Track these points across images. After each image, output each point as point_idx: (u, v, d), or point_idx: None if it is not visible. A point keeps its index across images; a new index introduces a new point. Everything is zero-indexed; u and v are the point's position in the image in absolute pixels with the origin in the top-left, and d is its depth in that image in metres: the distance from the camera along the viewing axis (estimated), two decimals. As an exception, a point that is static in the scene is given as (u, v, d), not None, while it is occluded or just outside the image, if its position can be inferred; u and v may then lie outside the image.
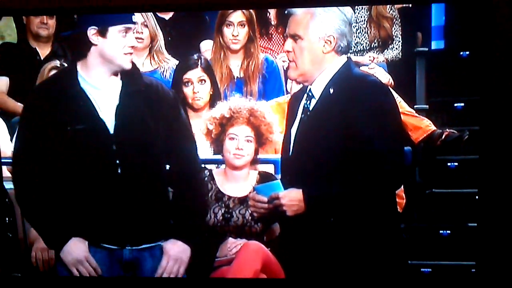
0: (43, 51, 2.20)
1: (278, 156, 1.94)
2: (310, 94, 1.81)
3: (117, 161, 1.82)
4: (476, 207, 1.94)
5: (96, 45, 1.78)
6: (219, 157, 2.02)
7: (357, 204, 1.77)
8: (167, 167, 1.91)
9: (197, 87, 2.11)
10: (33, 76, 2.08)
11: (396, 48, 2.21)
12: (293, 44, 1.77)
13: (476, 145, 1.93)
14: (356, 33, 2.20)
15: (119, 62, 1.80)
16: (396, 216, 1.90)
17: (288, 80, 2.09)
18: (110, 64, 1.80)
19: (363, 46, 2.23)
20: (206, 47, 2.23)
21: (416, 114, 2.04)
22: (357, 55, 2.18)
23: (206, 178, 2.00)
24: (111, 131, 1.81)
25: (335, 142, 1.75)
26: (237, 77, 2.19)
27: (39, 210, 1.86)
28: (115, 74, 1.83)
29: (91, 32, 1.77)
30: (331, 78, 1.77)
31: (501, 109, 1.90)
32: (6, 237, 2.06)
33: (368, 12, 2.19)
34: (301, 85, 1.87)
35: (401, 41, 2.20)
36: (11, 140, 2.13)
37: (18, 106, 2.14)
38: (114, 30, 1.77)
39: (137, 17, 1.83)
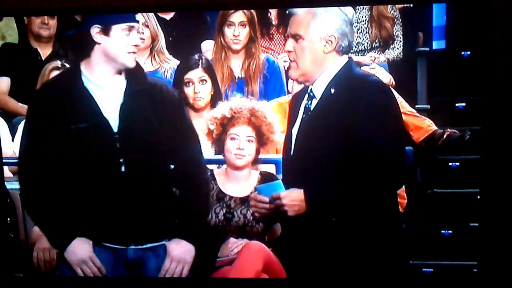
0: (44, 51, 2.20)
1: (279, 156, 1.94)
2: (311, 94, 1.81)
3: (121, 160, 1.82)
4: (477, 207, 1.94)
5: (99, 43, 1.79)
6: (220, 157, 2.02)
7: (359, 204, 1.77)
8: (171, 166, 1.91)
9: (198, 87, 2.11)
10: (34, 76, 2.08)
11: (397, 48, 2.21)
12: (294, 44, 1.77)
13: (478, 145, 1.93)
14: (357, 33, 2.20)
15: (122, 61, 1.80)
16: (398, 216, 1.90)
17: (289, 80, 2.09)
18: (113, 62, 1.81)
19: (364, 46, 2.23)
20: (207, 47, 2.23)
21: (417, 114, 2.04)
22: (358, 55, 2.18)
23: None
24: (115, 129, 1.82)
25: (336, 142, 1.75)
26: (238, 77, 2.19)
27: (44, 210, 1.87)
28: (119, 73, 1.83)
29: (95, 30, 1.78)
30: (332, 78, 1.77)
31: (503, 109, 1.90)
32: (8, 237, 2.06)
33: (369, 12, 2.19)
34: (302, 85, 1.87)
35: (402, 41, 2.20)
36: (12, 140, 2.14)
37: (19, 107, 2.15)
38: (118, 29, 1.78)
39: (138, 17, 1.83)
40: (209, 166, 2.03)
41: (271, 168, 2.05)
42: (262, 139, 1.99)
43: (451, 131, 2.02)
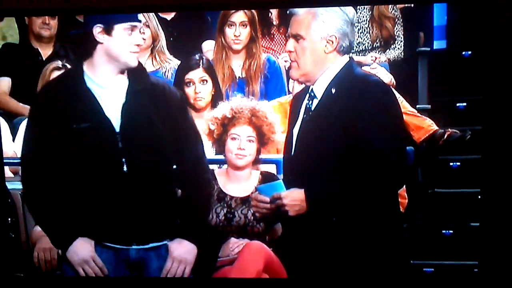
0: (45, 51, 2.20)
1: (280, 156, 1.94)
2: (312, 94, 1.81)
3: (123, 159, 1.82)
4: (478, 207, 1.94)
5: (102, 43, 1.79)
6: (221, 157, 2.02)
7: (359, 204, 1.76)
8: (174, 167, 1.91)
9: (198, 87, 2.11)
10: (35, 76, 2.08)
11: (398, 48, 2.21)
12: (295, 44, 1.77)
13: (479, 145, 1.93)
14: (358, 33, 2.20)
15: (124, 60, 1.80)
16: (399, 216, 1.90)
17: (290, 80, 2.09)
18: (116, 62, 1.81)
19: (365, 46, 2.23)
20: (208, 47, 2.23)
21: (418, 114, 2.04)
22: (359, 55, 2.18)
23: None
24: (117, 129, 1.82)
25: (337, 142, 1.75)
26: (239, 77, 2.19)
27: (46, 209, 1.87)
28: (122, 72, 1.83)
29: (97, 30, 1.78)
30: (333, 78, 1.77)
31: (504, 109, 1.90)
32: (9, 237, 2.06)
33: (370, 12, 2.19)
34: (303, 85, 1.87)
35: (403, 41, 2.20)
36: (13, 141, 2.14)
37: (20, 107, 2.15)
38: (120, 28, 1.78)
39: (139, 17, 1.83)
40: (210, 166, 2.03)
41: (271, 168, 2.05)
42: (262, 139, 1.99)
43: (452, 131, 2.02)
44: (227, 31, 2.14)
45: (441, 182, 2.03)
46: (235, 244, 1.96)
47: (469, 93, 1.98)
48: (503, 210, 1.94)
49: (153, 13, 2.12)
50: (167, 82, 1.94)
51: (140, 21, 1.82)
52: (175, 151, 1.89)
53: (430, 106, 2.05)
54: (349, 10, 1.76)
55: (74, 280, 1.90)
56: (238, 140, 1.98)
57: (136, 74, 1.84)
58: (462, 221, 2.01)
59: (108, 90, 1.83)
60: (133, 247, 1.87)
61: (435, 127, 2.03)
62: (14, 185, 2.05)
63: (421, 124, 2.04)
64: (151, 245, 1.88)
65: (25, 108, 2.12)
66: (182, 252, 1.89)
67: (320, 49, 1.76)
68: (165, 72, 2.20)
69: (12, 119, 2.15)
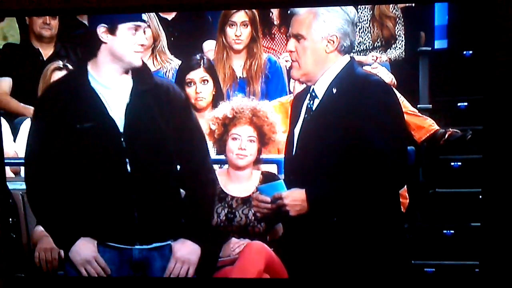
0: (46, 51, 2.20)
1: (281, 156, 1.95)
2: (313, 94, 1.81)
3: (127, 160, 1.82)
4: (479, 207, 1.94)
5: (105, 43, 1.79)
6: (222, 157, 2.02)
7: (360, 204, 1.76)
8: (178, 167, 1.91)
9: (199, 87, 2.10)
10: (36, 76, 2.08)
11: (399, 48, 2.21)
12: (296, 44, 1.77)
13: (480, 145, 1.93)
14: (359, 32, 2.20)
15: (129, 60, 1.80)
16: (400, 216, 1.90)
17: (291, 80, 2.09)
18: (120, 62, 1.81)
19: (366, 46, 2.22)
20: (209, 47, 2.22)
21: (419, 114, 2.03)
22: (360, 55, 2.18)
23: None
24: (121, 129, 1.82)
25: (338, 142, 1.75)
26: (239, 77, 2.19)
27: (49, 209, 1.87)
28: (126, 72, 1.84)
29: (101, 30, 1.78)
30: (334, 78, 1.77)
31: (505, 109, 1.90)
32: (10, 237, 2.06)
33: (371, 12, 2.18)
34: (304, 85, 1.87)
35: (404, 41, 2.20)
36: (14, 141, 2.14)
37: (21, 107, 2.15)
38: (124, 28, 1.78)
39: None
40: (211, 166, 2.03)
41: (272, 168, 2.05)
42: (263, 139, 1.99)
43: (453, 130, 2.02)
44: (228, 31, 2.14)
45: (442, 182, 2.03)
46: (236, 244, 1.96)
47: (470, 92, 1.98)
48: (504, 210, 1.94)
49: (154, 13, 2.12)
50: (172, 83, 1.94)
51: (144, 21, 1.82)
52: (180, 151, 1.89)
53: (431, 105, 2.05)
54: (350, 9, 1.76)
55: (75, 280, 1.90)
56: (239, 140, 1.98)
57: (140, 75, 1.84)
58: (463, 221, 2.00)
59: (112, 90, 1.83)
60: (136, 247, 1.87)
61: (436, 127, 2.03)
62: (15, 185, 2.06)
63: (422, 123, 2.03)
64: (154, 245, 1.88)
65: (26, 108, 2.12)
66: (185, 252, 1.90)
67: (321, 48, 1.76)
68: (166, 72, 2.20)
69: (13, 119, 2.15)
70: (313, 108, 1.80)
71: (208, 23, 2.26)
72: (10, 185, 2.05)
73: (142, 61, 1.84)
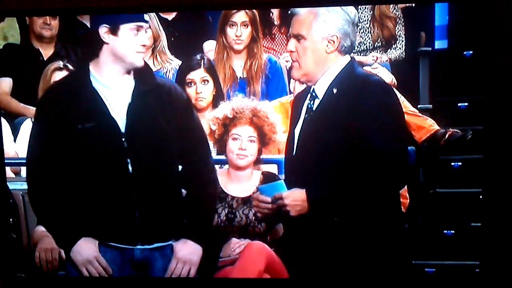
0: (46, 51, 2.20)
1: (281, 156, 1.95)
2: (313, 94, 1.81)
3: (128, 160, 1.82)
4: (480, 207, 1.94)
5: (107, 43, 1.79)
6: (222, 157, 2.02)
7: (361, 204, 1.76)
8: (180, 167, 1.91)
9: (200, 87, 2.10)
10: (36, 77, 2.08)
11: (400, 48, 2.21)
12: (296, 44, 1.77)
13: (480, 145, 1.93)
14: (359, 32, 2.20)
15: (130, 60, 1.81)
16: (400, 216, 1.90)
17: (291, 80, 2.09)
18: (122, 62, 1.81)
19: (366, 46, 2.22)
20: (209, 47, 2.22)
21: (420, 114, 2.03)
22: (360, 55, 2.18)
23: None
24: (122, 129, 1.82)
25: (339, 142, 1.75)
26: (240, 77, 2.19)
27: (51, 209, 1.87)
28: (128, 72, 1.84)
29: (103, 30, 1.78)
30: (335, 78, 1.77)
31: (505, 109, 1.90)
32: (10, 237, 2.06)
33: (371, 12, 2.18)
34: (304, 85, 1.87)
35: (404, 41, 2.20)
36: (15, 141, 2.14)
37: (21, 107, 2.15)
38: (126, 28, 1.78)
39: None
40: (211, 166, 2.03)
41: (273, 168, 2.05)
42: (264, 139, 1.99)
43: (453, 130, 2.02)
44: (229, 31, 2.14)
45: (443, 182, 2.03)
46: (236, 245, 1.96)
47: (471, 93, 1.98)
48: (504, 210, 1.94)
49: (154, 13, 2.12)
50: (174, 84, 1.94)
51: (146, 22, 1.82)
52: (182, 152, 1.90)
53: (431, 106, 2.05)
54: (351, 10, 1.76)
55: (76, 281, 1.90)
56: (239, 140, 1.98)
57: (142, 75, 1.84)
58: (464, 221, 2.00)
59: (114, 90, 1.83)
60: (138, 247, 1.87)
61: (436, 127, 2.03)
62: (16, 185, 2.06)
63: (422, 124, 2.03)
64: (156, 245, 1.88)
65: (26, 109, 2.12)
66: (187, 252, 1.90)
67: (322, 49, 1.76)
68: (166, 72, 2.20)
69: (13, 119, 2.15)
70: (314, 108, 1.80)
71: (209, 23, 2.26)
72: (11, 185, 2.05)
73: (144, 61, 1.84)
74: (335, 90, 1.76)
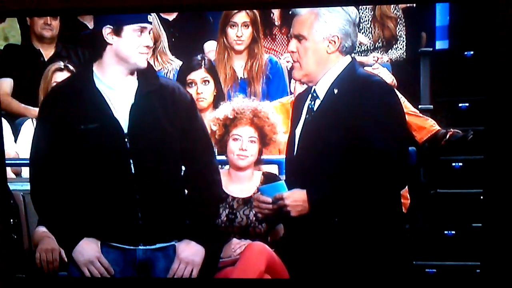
0: (47, 52, 2.20)
1: (282, 157, 1.95)
2: (314, 94, 1.81)
3: (131, 160, 1.82)
4: (481, 208, 1.94)
5: (111, 44, 1.79)
6: (223, 158, 2.02)
7: (362, 204, 1.76)
8: (183, 168, 1.91)
9: (200, 88, 2.10)
10: (37, 77, 2.08)
11: (400, 48, 2.21)
12: (297, 44, 1.77)
13: (481, 145, 1.93)
14: (360, 33, 2.20)
15: (134, 61, 1.81)
16: (401, 217, 1.90)
17: (292, 80, 2.09)
18: (125, 63, 1.81)
19: (367, 46, 2.22)
20: (210, 48, 2.22)
21: (420, 114, 2.03)
22: (361, 55, 2.17)
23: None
24: (125, 130, 1.82)
25: (340, 142, 1.75)
26: (240, 77, 2.19)
27: (53, 209, 1.88)
28: (131, 73, 1.84)
29: (106, 31, 1.78)
30: (336, 79, 1.78)
31: (506, 109, 1.89)
32: (11, 238, 2.06)
33: (372, 12, 2.18)
34: (305, 86, 1.87)
35: (405, 41, 2.20)
36: (15, 141, 2.14)
37: (22, 108, 2.15)
38: (129, 29, 1.79)
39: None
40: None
41: (274, 169, 2.05)
42: (264, 140, 1.99)
43: (454, 131, 2.02)
44: (229, 31, 2.14)
45: (443, 183, 2.03)
46: (237, 245, 1.96)
47: (471, 93, 1.98)
48: (505, 211, 1.94)
49: (155, 14, 2.12)
50: (177, 85, 1.94)
51: (150, 23, 1.82)
52: (185, 152, 1.90)
53: (432, 106, 2.05)
54: (352, 10, 1.77)
55: (77, 281, 1.90)
56: (240, 140, 1.98)
57: (145, 76, 1.85)
58: (464, 221, 2.00)
59: (118, 91, 1.83)
60: (140, 247, 1.87)
61: (437, 127, 2.03)
62: (16, 186, 2.06)
63: (423, 124, 2.03)
64: (158, 245, 1.88)
65: (27, 109, 2.13)
66: (189, 253, 1.90)
67: (323, 49, 1.76)
68: (167, 73, 2.20)
69: (14, 120, 2.15)
70: (315, 109, 1.80)
71: (209, 23, 2.26)
72: (11, 186, 2.05)
73: (148, 62, 1.84)
74: (336, 91, 1.76)
